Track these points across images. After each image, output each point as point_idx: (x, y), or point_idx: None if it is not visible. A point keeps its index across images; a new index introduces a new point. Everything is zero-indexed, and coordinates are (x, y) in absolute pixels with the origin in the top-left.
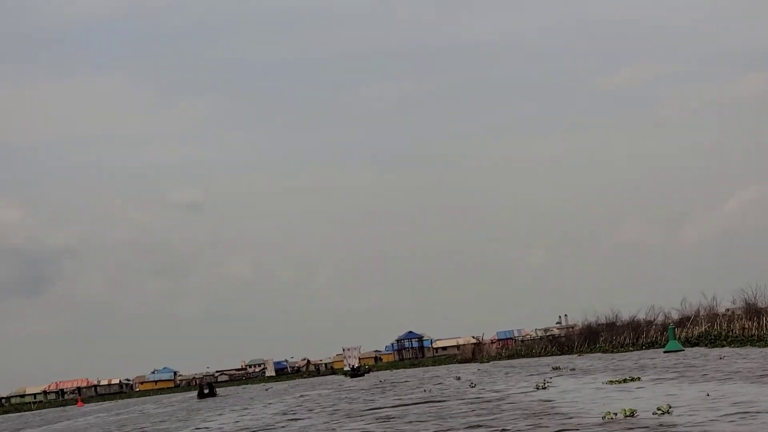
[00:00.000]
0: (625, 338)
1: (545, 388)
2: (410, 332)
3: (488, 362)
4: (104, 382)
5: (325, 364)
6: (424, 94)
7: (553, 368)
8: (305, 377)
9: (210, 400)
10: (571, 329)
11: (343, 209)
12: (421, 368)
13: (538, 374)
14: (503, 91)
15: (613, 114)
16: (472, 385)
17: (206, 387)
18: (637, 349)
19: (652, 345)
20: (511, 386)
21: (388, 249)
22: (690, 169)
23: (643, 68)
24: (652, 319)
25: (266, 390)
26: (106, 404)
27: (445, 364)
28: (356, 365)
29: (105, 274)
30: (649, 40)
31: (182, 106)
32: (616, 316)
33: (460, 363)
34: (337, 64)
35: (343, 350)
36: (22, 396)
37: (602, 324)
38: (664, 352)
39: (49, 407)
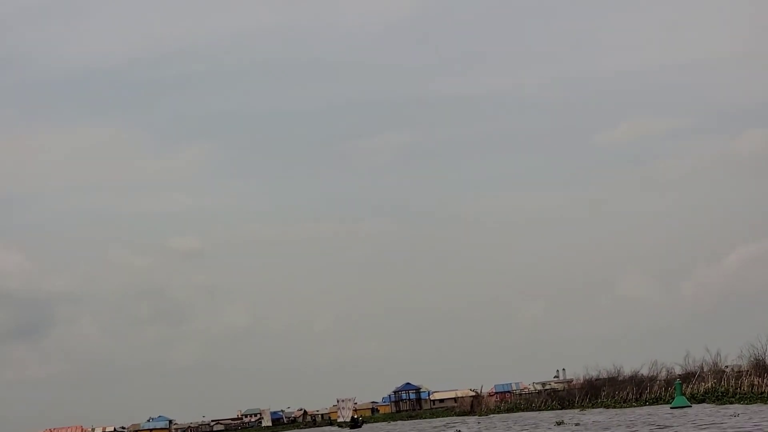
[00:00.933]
0: (627, 393)
1: None
2: (407, 384)
3: (487, 415)
4: (98, 430)
5: (322, 414)
6: (424, 146)
7: (557, 423)
8: (302, 428)
9: None
10: (569, 383)
11: (340, 259)
12: (418, 420)
13: (541, 429)
14: (503, 144)
15: (612, 168)
16: None
17: None
18: (641, 405)
19: (656, 401)
20: None
21: (386, 299)
22: (689, 224)
23: (643, 123)
24: (655, 374)
25: None
26: None
27: (443, 417)
28: (351, 417)
29: (102, 321)
30: (649, 95)
31: (181, 155)
32: (618, 370)
33: (458, 415)
34: (336, 114)
35: (338, 402)
36: None
37: (604, 379)
38: (671, 407)
39: None
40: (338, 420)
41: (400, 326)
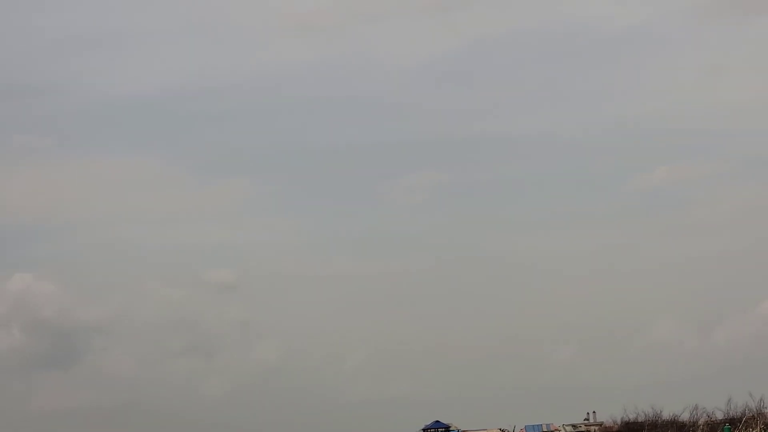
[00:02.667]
0: None
1: None
2: (437, 422)
3: None
4: None
5: None
6: (460, 186)
7: None
8: None
9: None
10: (600, 426)
11: (373, 296)
12: None
13: None
14: (539, 186)
15: (648, 212)
16: None
17: None
18: None
19: None
20: None
21: (418, 337)
22: (724, 270)
23: (680, 168)
24: (696, 419)
25: None
26: None
27: None
28: None
29: (134, 352)
30: (687, 140)
31: (218, 188)
32: (658, 414)
33: None
34: (374, 152)
35: None
36: None
37: (642, 422)
38: None
39: None
40: None
41: (432, 364)
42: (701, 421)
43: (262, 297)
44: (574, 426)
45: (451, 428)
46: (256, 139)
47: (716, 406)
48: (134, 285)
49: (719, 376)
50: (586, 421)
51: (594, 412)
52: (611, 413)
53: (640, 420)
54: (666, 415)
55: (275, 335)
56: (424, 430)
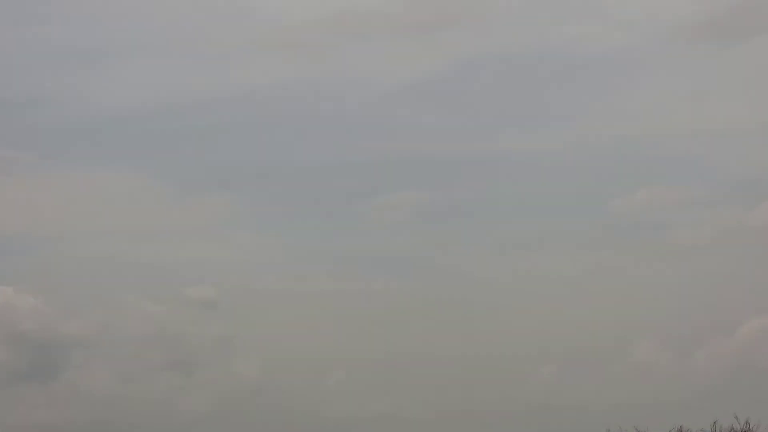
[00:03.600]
0: None
1: None
2: None
3: None
4: None
5: None
6: (441, 205)
7: None
8: None
9: None
10: None
11: (354, 314)
12: None
13: None
14: (520, 205)
15: (628, 234)
16: None
17: None
18: None
19: None
20: None
21: (400, 356)
22: (704, 294)
23: (661, 190)
24: None
25: None
26: None
27: None
28: None
29: (114, 367)
30: (668, 163)
31: (199, 204)
32: None
33: None
34: (355, 170)
35: None
36: None
37: None
38: None
39: None
40: None
41: (414, 382)
42: None
43: (243, 313)
44: None
45: None
46: (237, 156)
47: (701, 428)
48: (115, 300)
49: (700, 399)
50: None
51: None
52: None
53: None
54: None
55: (256, 352)
56: None
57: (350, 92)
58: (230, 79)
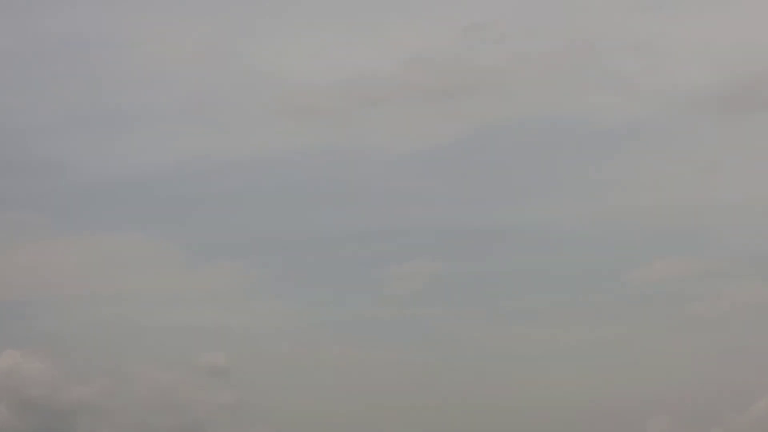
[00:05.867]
0: None
1: None
2: None
3: None
4: None
5: None
6: (455, 276)
7: None
8: None
9: None
10: None
11: (368, 385)
12: None
13: None
14: (534, 277)
15: (644, 307)
16: None
17: None
18: None
19: None
20: None
21: (412, 424)
22: (720, 368)
23: (676, 263)
24: None
25: None
26: None
27: None
28: None
29: None
30: (684, 235)
31: (212, 270)
32: None
33: None
34: (368, 239)
35: None
36: None
37: None
38: None
39: None
40: None
41: None
42: None
43: (255, 381)
44: None
45: None
46: (251, 223)
47: None
48: (123, 366)
49: None
50: None
51: None
52: None
53: None
54: None
55: (267, 420)
56: None
57: (365, 159)
58: (245, 145)
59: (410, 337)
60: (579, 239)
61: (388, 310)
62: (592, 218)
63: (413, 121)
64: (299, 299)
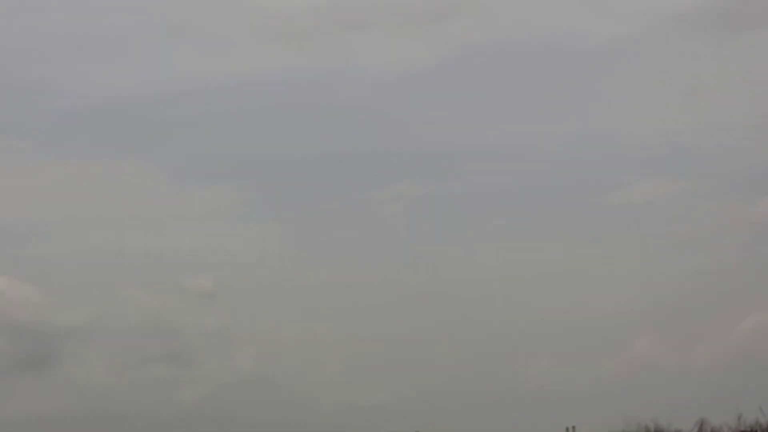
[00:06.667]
0: None
1: None
2: None
3: None
4: None
5: None
6: (440, 197)
7: None
8: None
9: None
10: None
11: (353, 306)
12: None
13: None
14: (519, 198)
15: (627, 228)
16: None
17: None
18: None
19: None
20: None
21: (395, 347)
22: (704, 287)
23: (661, 184)
24: None
25: None
26: None
27: None
28: None
29: (109, 358)
30: (669, 156)
31: (197, 194)
32: (663, 428)
33: None
34: (353, 162)
35: None
36: None
37: None
38: None
39: None
40: None
41: (411, 374)
42: None
43: (241, 304)
44: None
45: None
46: (236, 146)
47: (724, 422)
48: (111, 290)
49: (699, 395)
50: None
51: (573, 427)
52: (590, 428)
53: None
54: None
55: (253, 343)
56: None
57: (349, 82)
58: (229, 68)
59: (395, 259)
60: (563, 160)
61: (373, 232)
62: (575, 139)
63: (395, 44)
64: (284, 223)
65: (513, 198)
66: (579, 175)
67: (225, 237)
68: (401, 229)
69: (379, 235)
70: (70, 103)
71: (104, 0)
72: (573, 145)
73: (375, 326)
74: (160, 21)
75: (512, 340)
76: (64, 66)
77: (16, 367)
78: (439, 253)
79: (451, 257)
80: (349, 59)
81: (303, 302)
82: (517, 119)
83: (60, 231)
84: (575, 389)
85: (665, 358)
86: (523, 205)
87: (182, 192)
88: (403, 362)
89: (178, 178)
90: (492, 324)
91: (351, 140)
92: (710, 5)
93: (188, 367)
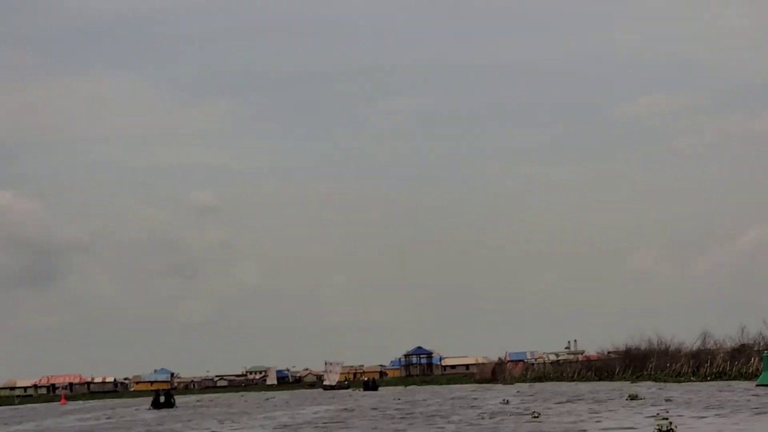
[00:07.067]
0: (682, 366)
1: (672, 430)
2: (419, 347)
3: (512, 384)
4: (98, 380)
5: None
6: (441, 111)
7: (631, 397)
8: (307, 388)
9: (165, 411)
10: (581, 354)
11: (356, 221)
12: (435, 386)
13: (611, 402)
14: (521, 113)
15: (629, 143)
16: (536, 416)
17: (163, 395)
18: (702, 380)
19: (719, 376)
20: (596, 422)
21: (399, 263)
22: (704, 201)
23: (662, 99)
24: (710, 347)
25: (267, 400)
26: (92, 403)
27: (461, 384)
28: (336, 381)
29: (113, 272)
30: (669, 70)
31: (201, 109)
32: (669, 341)
33: (478, 383)
34: (356, 76)
35: (326, 364)
36: (12, 389)
37: (653, 349)
38: (757, 385)
39: (36, 402)
40: (324, 383)
41: (413, 290)
42: (714, 349)
43: (244, 218)
44: (556, 354)
45: (433, 355)
46: (237, 62)
47: (727, 335)
48: (114, 205)
49: (699, 306)
50: (567, 350)
51: (575, 340)
52: (592, 341)
53: (649, 347)
54: (671, 342)
55: (255, 258)
56: (405, 356)
57: None
58: None
59: (398, 173)
60: (565, 76)
61: (376, 146)
62: (577, 55)
63: None
64: (287, 137)
65: (515, 114)
66: (581, 91)
67: (228, 152)
68: (403, 143)
69: (381, 149)
70: (73, 18)
71: None
72: (575, 60)
73: (379, 241)
74: None
75: (516, 255)
76: None
77: (21, 281)
78: (442, 167)
79: (453, 172)
80: None
81: (306, 216)
82: (520, 35)
83: (63, 146)
84: (577, 302)
85: (667, 271)
86: (525, 120)
87: (185, 107)
88: (408, 278)
89: (182, 94)
90: (495, 240)
91: (354, 54)
92: None
93: (192, 280)
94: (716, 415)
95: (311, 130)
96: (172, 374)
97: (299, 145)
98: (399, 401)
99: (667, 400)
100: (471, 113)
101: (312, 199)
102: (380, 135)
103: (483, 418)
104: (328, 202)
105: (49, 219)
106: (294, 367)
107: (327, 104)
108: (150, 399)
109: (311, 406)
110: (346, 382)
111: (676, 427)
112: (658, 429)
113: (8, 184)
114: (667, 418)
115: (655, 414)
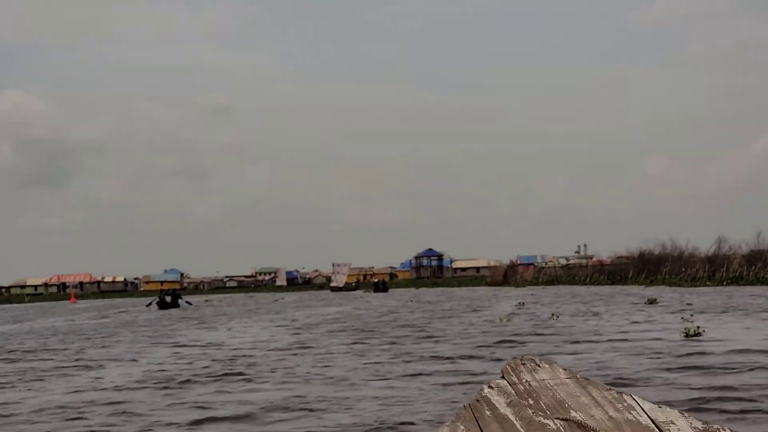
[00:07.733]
0: (698, 271)
1: (699, 334)
2: (430, 249)
3: (524, 287)
4: (108, 279)
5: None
6: (453, 14)
7: (650, 301)
8: (316, 290)
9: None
10: (590, 259)
11: (366, 123)
12: (446, 288)
13: (629, 305)
14: (536, 16)
15: (643, 48)
16: (555, 317)
17: (170, 295)
18: (717, 285)
19: (736, 281)
20: (617, 324)
21: (409, 167)
22: (720, 108)
23: (678, 3)
24: (726, 252)
25: (275, 301)
26: (99, 302)
27: (471, 286)
28: (344, 283)
29: (124, 172)
30: None
31: (213, 8)
32: (684, 246)
33: (490, 285)
34: None
35: (333, 266)
36: (23, 287)
37: (667, 254)
38: None
39: (46, 300)
40: (332, 284)
41: (422, 194)
42: (730, 254)
43: (255, 121)
44: (567, 259)
45: (443, 257)
46: None
47: (742, 239)
48: (125, 106)
49: (710, 212)
50: (577, 254)
51: (585, 245)
52: (602, 246)
53: (664, 252)
54: (685, 246)
55: (267, 159)
56: (415, 258)
57: None
58: None
59: (410, 76)
60: None
61: (387, 48)
62: None
63: None
64: (299, 39)
65: (530, 16)
66: None
67: (240, 53)
68: (414, 46)
69: (392, 51)
70: None
71: None
72: None
73: (388, 143)
74: None
75: (528, 161)
76: None
77: (32, 181)
78: (454, 69)
79: (466, 75)
80: None
81: (317, 119)
82: None
83: (74, 47)
84: (587, 207)
85: (679, 178)
86: (538, 24)
87: (197, 7)
88: (419, 183)
89: None
90: (508, 144)
91: None
92: None
93: (203, 182)
94: (741, 316)
95: (324, 32)
96: (182, 274)
97: (311, 48)
98: (413, 302)
99: (689, 304)
100: (484, 14)
101: (325, 102)
102: (392, 37)
103: (501, 322)
104: (340, 104)
105: (60, 118)
106: (303, 268)
107: (341, 6)
108: (155, 299)
109: (323, 307)
110: (353, 284)
111: (703, 330)
112: (686, 332)
113: (19, 83)
114: (692, 321)
115: (679, 319)
